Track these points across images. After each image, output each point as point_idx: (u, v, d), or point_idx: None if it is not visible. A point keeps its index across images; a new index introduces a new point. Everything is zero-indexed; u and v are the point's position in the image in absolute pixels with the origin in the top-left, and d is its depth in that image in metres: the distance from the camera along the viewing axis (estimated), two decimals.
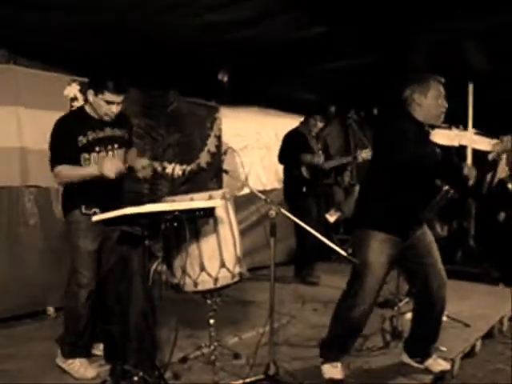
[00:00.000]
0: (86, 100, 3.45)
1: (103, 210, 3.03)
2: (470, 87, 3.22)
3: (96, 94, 3.32)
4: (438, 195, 4.15)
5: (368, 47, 4.69)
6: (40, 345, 3.98)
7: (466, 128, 3.18)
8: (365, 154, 5.94)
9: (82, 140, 3.34)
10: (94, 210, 3.38)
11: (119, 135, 3.54)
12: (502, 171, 6.77)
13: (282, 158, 6.18)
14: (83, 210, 3.39)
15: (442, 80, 3.28)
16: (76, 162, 3.34)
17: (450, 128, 3.21)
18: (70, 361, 3.48)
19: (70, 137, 3.31)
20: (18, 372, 3.51)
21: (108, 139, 3.46)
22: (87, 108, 3.44)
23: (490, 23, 4.04)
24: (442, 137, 3.17)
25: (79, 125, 3.37)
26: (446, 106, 3.26)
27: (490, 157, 3.20)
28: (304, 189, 5.98)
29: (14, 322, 4.49)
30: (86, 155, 3.36)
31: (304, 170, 5.96)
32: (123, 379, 2.99)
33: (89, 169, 3.32)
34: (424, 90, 3.23)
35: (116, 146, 3.50)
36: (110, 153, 3.45)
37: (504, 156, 6.77)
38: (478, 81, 3.20)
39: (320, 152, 6.08)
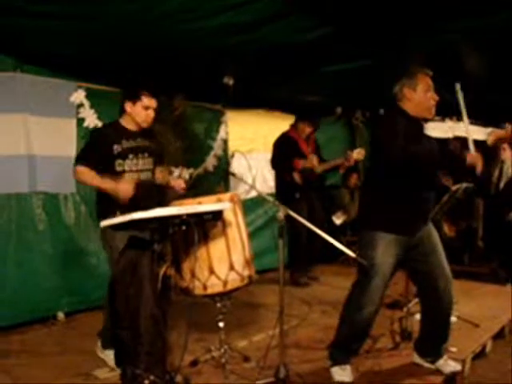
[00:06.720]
0: (124, 111, 3.63)
1: None
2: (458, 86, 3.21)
3: (134, 103, 3.56)
4: (446, 195, 4.14)
5: (373, 48, 4.69)
6: (51, 350, 4.00)
7: (459, 119, 3.18)
8: (356, 155, 5.79)
9: (118, 148, 3.56)
10: None
11: (148, 145, 3.75)
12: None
13: (274, 163, 6.10)
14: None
15: (430, 73, 3.28)
16: (112, 166, 3.53)
17: (443, 120, 3.21)
18: (107, 351, 3.69)
19: (106, 144, 3.54)
20: (29, 378, 3.52)
21: (139, 148, 3.67)
22: (122, 121, 3.66)
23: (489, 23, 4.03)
24: (436, 129, 3.17)
25: (114, 135, 3.61)
26: (437, 98, 3.26)
27: (489, 142, 3.20)
28: (297, 195, 5.87)
29: (24, 328, 4.50)
30: (120, 161, 3.57)
31: (296, 176, 5.89)
32: (134, 383, 3.00)
33: (107, 184, 3.44)
34: (413, 83, 3.24)
35: (146, 154, 3.72)
36: (141, 160, 3.67)
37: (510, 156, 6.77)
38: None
39: (312, 155, 5.99)
